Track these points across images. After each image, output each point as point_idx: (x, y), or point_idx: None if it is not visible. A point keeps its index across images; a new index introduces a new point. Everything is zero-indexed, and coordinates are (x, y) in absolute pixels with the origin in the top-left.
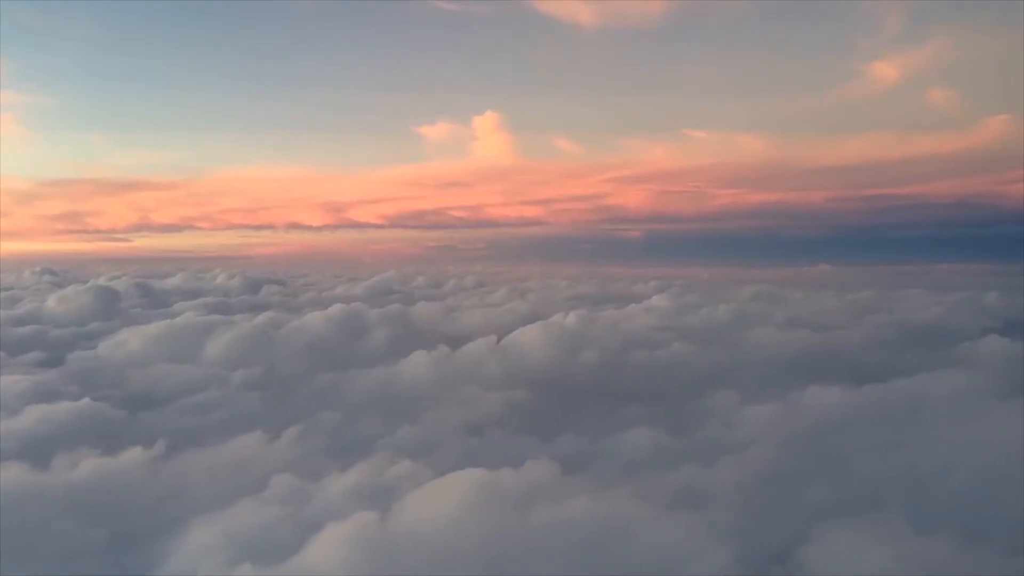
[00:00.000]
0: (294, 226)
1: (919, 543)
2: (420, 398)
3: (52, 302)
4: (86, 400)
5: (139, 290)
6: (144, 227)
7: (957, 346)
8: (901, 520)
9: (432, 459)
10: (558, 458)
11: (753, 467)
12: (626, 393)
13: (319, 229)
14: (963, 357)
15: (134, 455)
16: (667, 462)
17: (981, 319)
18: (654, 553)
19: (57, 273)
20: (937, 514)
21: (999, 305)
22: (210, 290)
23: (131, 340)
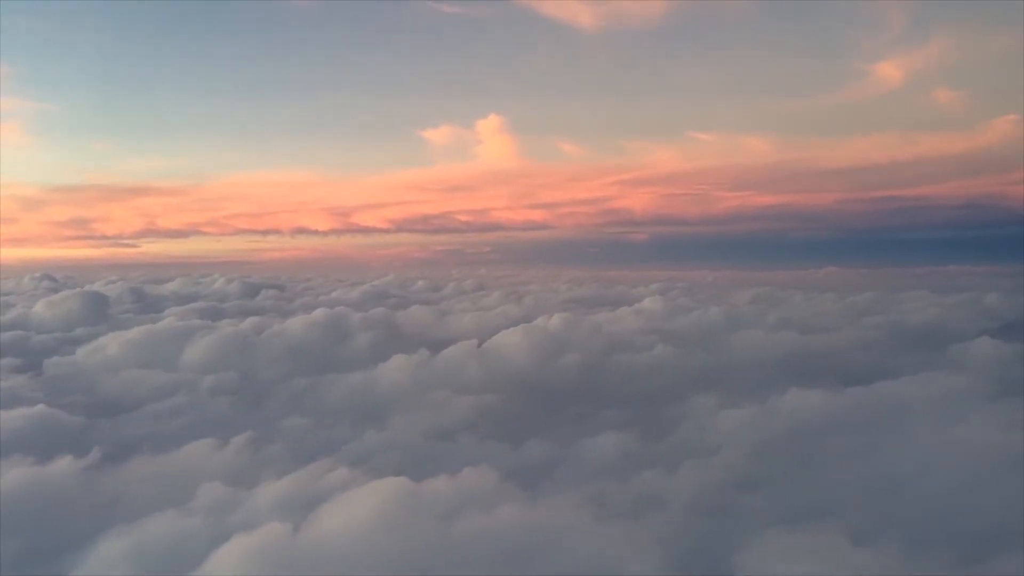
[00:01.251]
0: (300, 231)
1: (855, 553)
2: (392, 403)
3: (40, 308)
4: (40, 407)
5: (133, 295)
6: (151, 233)
7: (948, 348)
8: (842, 529)
9: (387, 465)
10: (523, 463)
11: (714, 473)
12: (603, 397)
13: (325, 234)
14: (953, 359)
15: (66, 464)
16: (630, 468)
17: (979, 321)
18: (578, 563)
19: (57, 279)
20: (890, 522)
21: (999, 307)
22: (207, 295)
23: (110, 346)
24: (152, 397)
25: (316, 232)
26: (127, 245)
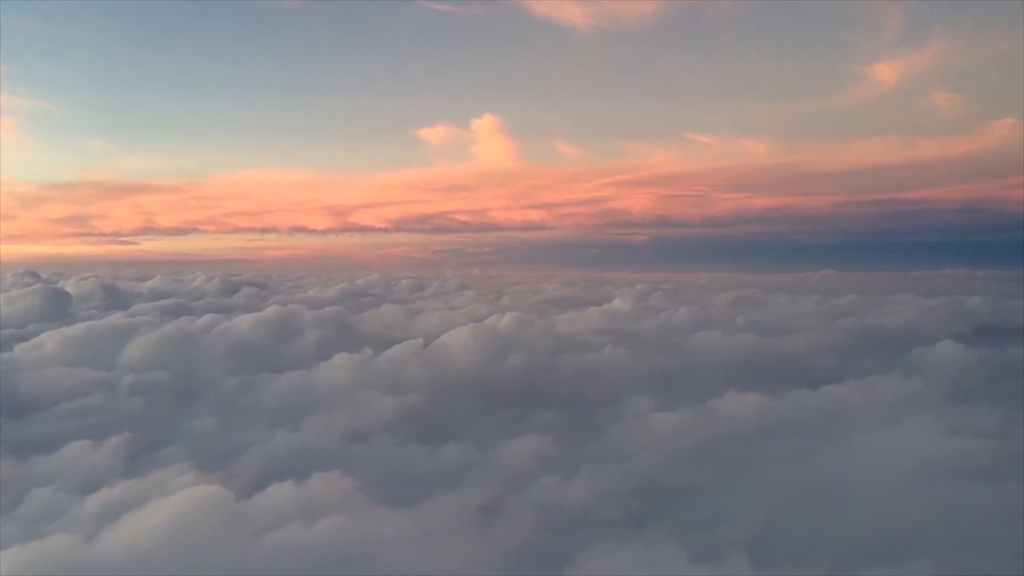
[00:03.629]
0: (298, 230)
1: (690, 568)
2: (318, 404)
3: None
4: None
5: (105, 292)
6: (149, 231)
7: (911, 351)
8: (680, 542)
9: (276, 469)
10: (431, 467)
11: (615, 479)
12: (539, 399)
13: (323, 233)
14: (913, 363)
15: None
16: (534, 473)
17: (952, 324)
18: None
19: (40, 276)
20: (781, 531)
21: (978, 310)
22: (187, 292)
23: (47, 343)
24: (67, 396)
25: (314, 231)
26: (125, 243)
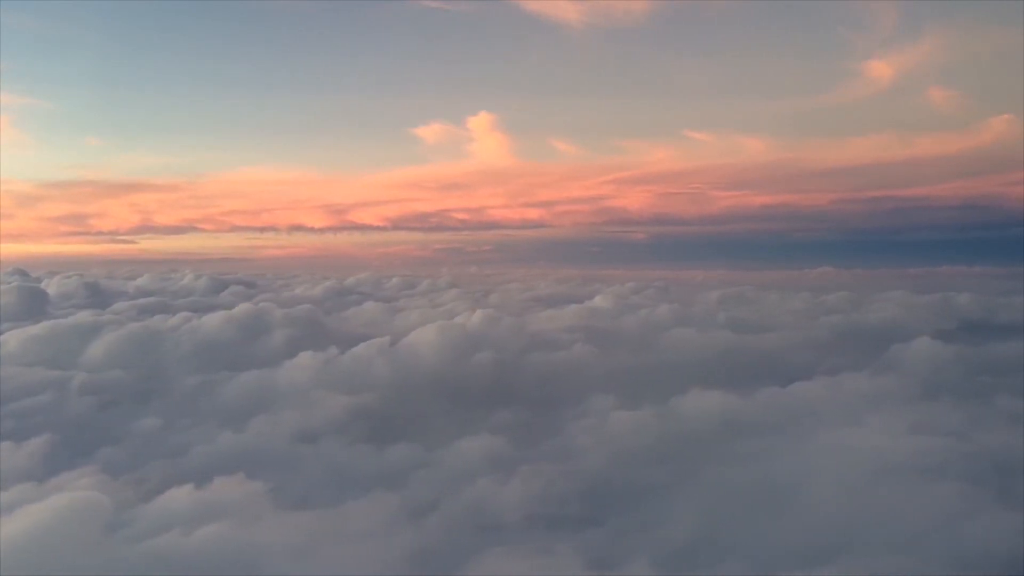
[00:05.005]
0: (297, 228)
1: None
2: (272, 403)
3: None
4: None
5: (88, 290)
6: (148, 229)
7: (888, 348)
8: (579, 551)
9: (211, 469)
10: (377, 468)
11: (554, 480)
12: (500, 397)
13: (322, 231)
14: (888, 360)
15: None
16: (477, 473)
17: (938, 321)
18: None
19: (29, 274)
20: (712, 533)
21: (966, 307)
22: (173, 291)
23: (9, 341)
24: (15, 396)
25: (313, 230)
26: (125, 241)
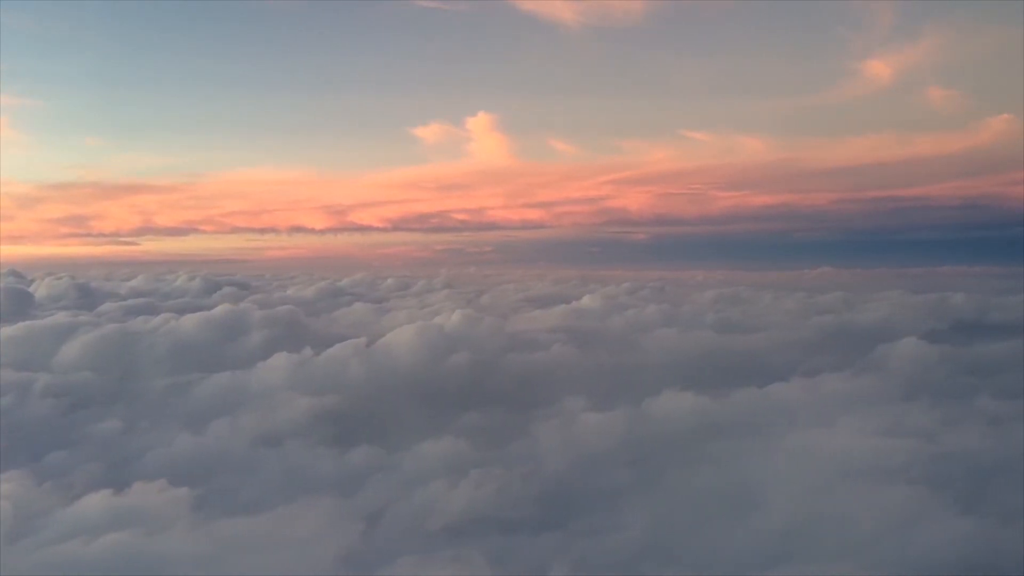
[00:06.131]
0: (297, 229)
1: None
2: (241, 404)
3: None
4: None
5: (78, 291)
6: (149, 230)
7: (874, 348)
8: (517, 556)
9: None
10: (334, 472)
11: (509, 483)
12: (470, 399)
13: (322, 232)
14: (873, 359)
15: None
16: (432, 477)
17: (929, 321)
18: None
19: (24, 275)
20: (637, 545)
21: (959, 307)
22: (165, 292)
23: None
24: None
25: (313, 231)
26: (127, 243)
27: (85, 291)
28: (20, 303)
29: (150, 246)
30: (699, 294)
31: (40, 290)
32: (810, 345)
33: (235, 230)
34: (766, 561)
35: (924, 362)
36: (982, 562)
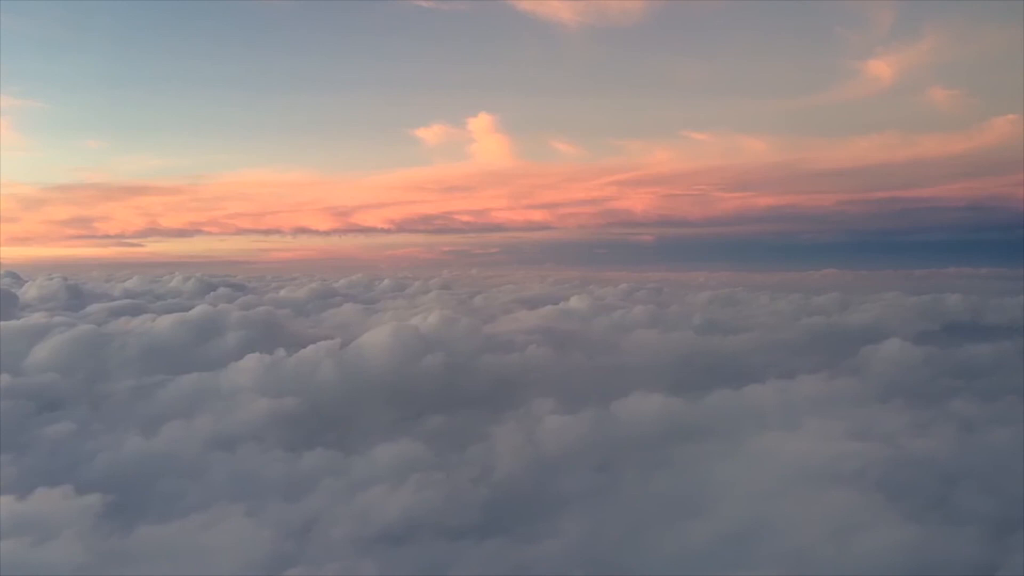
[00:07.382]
0: (302, 231)
1: None
2: (204, 406)
3: None
4: None
5: (68, 293)
6: (153, 232)
7: (859, 350)
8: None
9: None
10: (290, 473)
11: (452, 489)
12: (437, 400)
13: (327, 234)
14: (857, 361)
15: None
16: (382, 480)
17: (919, 322)
18: None
19: (19, 276)
20: (575, 553)
21: (952, 309)
22: (158, 293)
23: None
24: None
25: (317, 232)
26: (131, 244)
27: (76, 292)
28: (4, 304)
29: (155, 248)
30: (693, 296)
31: (31, 291)
32: (796, 347)
33: (239, 232)
34: (704, 567)
35: (906, 364)
36: (926, 570)
